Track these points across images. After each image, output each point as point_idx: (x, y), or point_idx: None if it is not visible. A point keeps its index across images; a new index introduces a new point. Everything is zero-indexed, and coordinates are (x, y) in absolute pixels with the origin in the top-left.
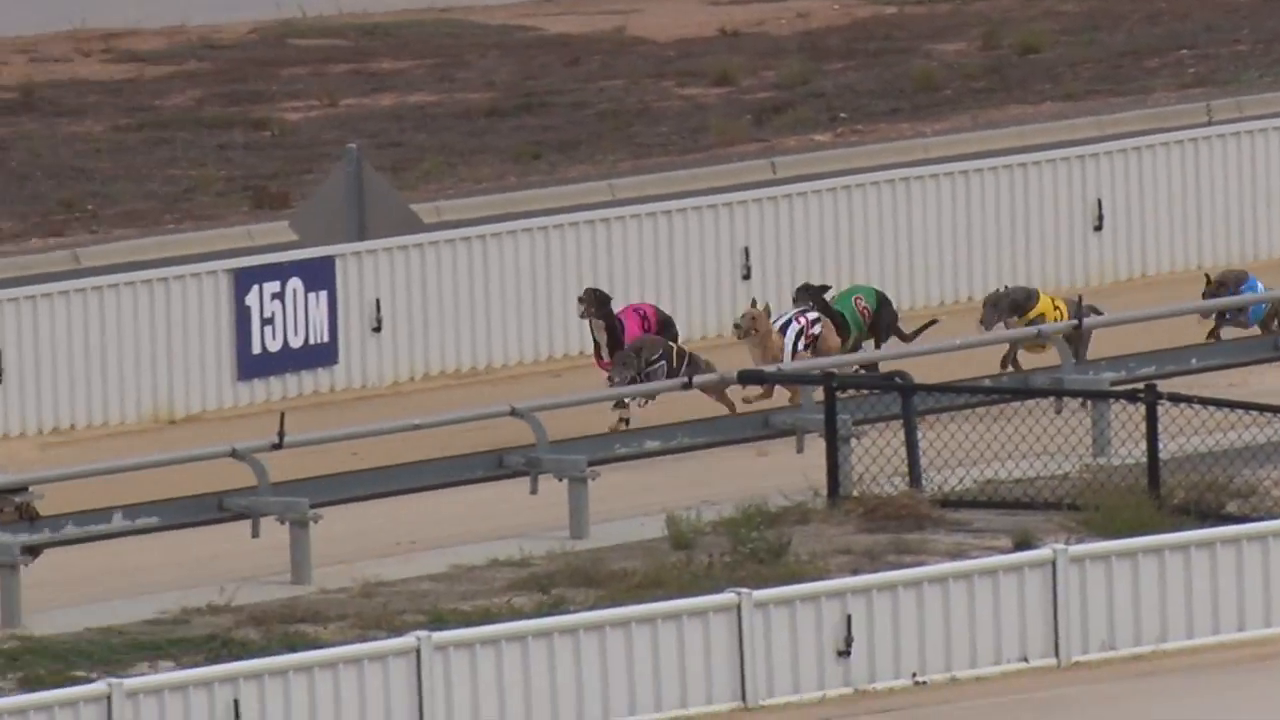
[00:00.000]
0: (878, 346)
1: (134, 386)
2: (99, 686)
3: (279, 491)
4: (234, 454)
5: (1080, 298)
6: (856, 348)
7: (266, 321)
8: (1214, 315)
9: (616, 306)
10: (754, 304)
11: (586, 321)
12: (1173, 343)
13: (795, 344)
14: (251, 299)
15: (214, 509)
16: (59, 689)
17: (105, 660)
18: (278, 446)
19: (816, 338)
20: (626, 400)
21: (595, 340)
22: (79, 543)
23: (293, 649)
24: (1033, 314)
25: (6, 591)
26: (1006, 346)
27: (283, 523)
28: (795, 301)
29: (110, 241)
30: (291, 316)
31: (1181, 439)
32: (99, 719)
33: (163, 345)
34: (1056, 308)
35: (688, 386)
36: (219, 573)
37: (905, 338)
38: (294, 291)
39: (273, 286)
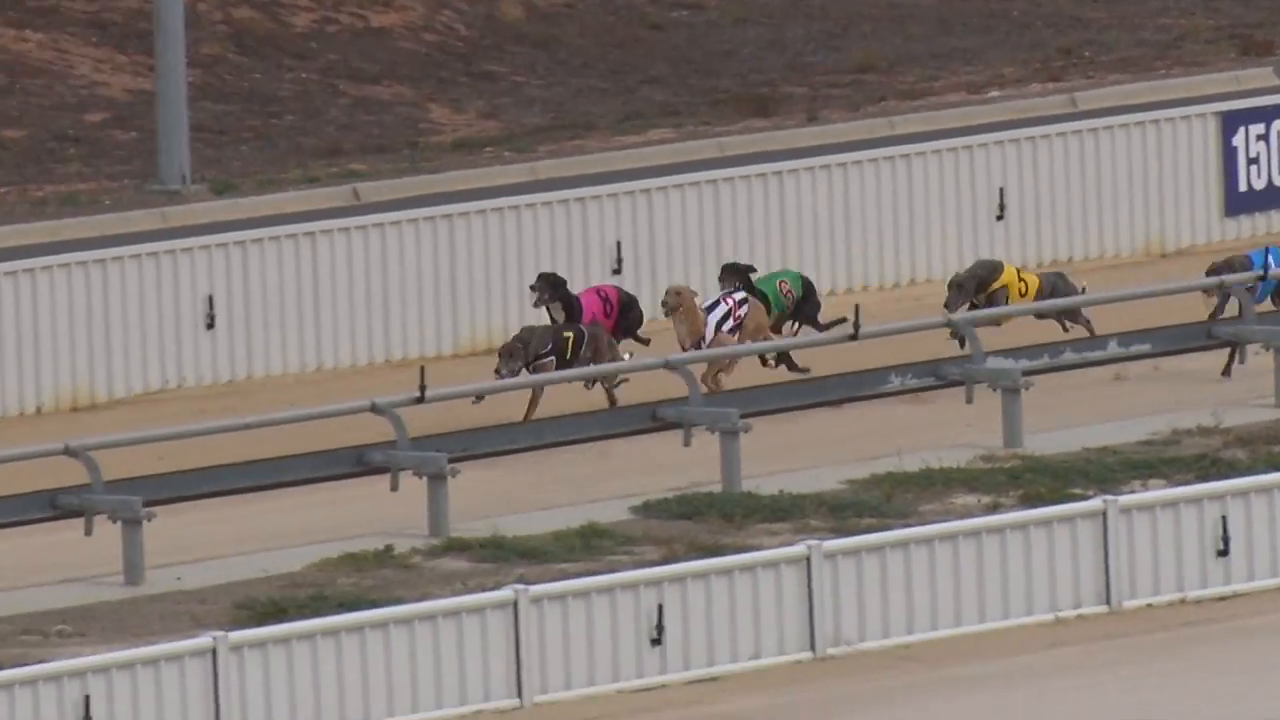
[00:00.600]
0: (795, 334)
1: (1127, 222)
2: (1094, 504)
3: None
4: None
5: (1059, 274)
6: (777, 330)
7: (1252, 161)
8: (1216, 294)
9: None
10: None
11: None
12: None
13: (720, 325)
14: (1238, 140)
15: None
16: (1056, 505)
17: (1100, 478)
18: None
19: (743, 319)
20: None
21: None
22: (1075, 368)
23: (1277, 468)
24: (995, 286)
25: (1009, 415)
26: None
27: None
28: (721, 281)
29: (1104, 86)
30: (1276, 157)
31: None
32: (1096, 531)
33: (1154, 183)
34: (1022, 280)
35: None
36: (1206, 399)
37: (820, 328)
38: (1278, 134)
39: (1258, 129)
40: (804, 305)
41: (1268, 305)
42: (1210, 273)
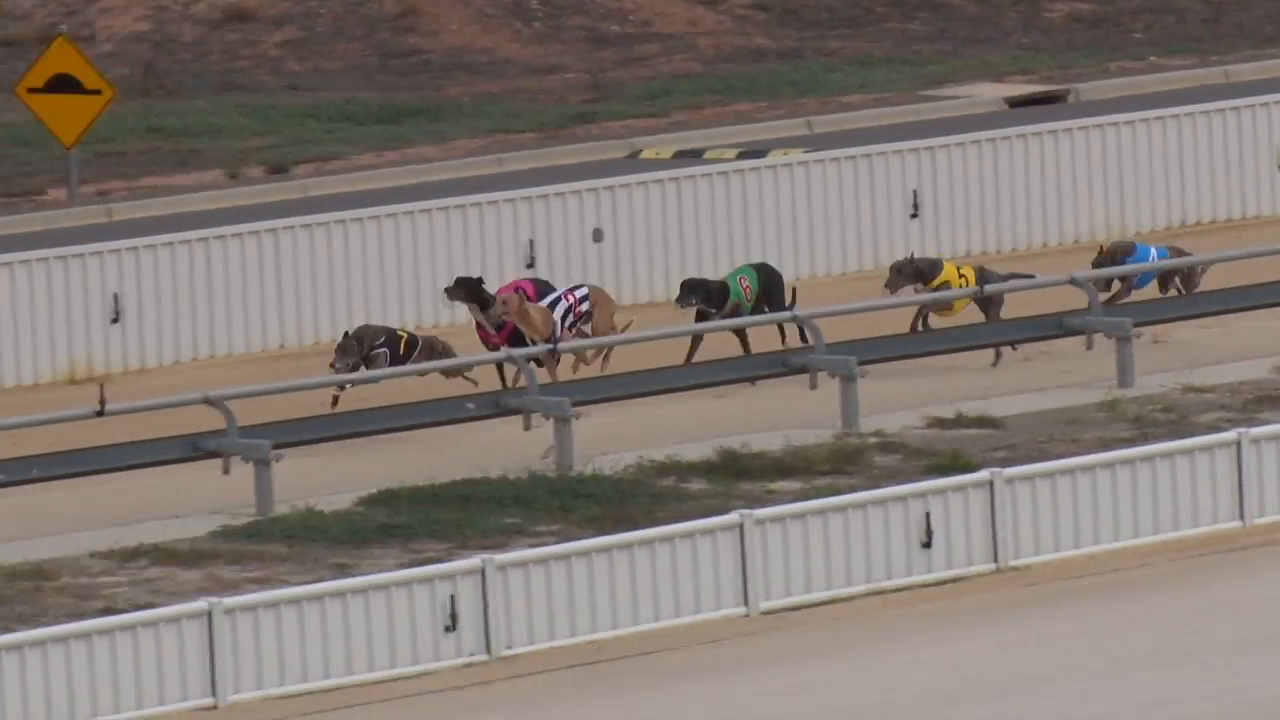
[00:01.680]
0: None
1: None
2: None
3: None
4: None
5: (981, 268)
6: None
7: None
8: (1110, 284)
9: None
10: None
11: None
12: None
13: (564, 321)
14: None
15: None
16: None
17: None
18: None
19: (585, 314)
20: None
21: (478, 322)
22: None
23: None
24: (937, 282)
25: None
26: (914, 311)
27: None
28: (447, 293)
29: None
30: None
31: None
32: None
33: None
34: (961, 275)
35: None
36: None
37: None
38: None
39: None
40: (770, 296)
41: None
42: (1097, 263)
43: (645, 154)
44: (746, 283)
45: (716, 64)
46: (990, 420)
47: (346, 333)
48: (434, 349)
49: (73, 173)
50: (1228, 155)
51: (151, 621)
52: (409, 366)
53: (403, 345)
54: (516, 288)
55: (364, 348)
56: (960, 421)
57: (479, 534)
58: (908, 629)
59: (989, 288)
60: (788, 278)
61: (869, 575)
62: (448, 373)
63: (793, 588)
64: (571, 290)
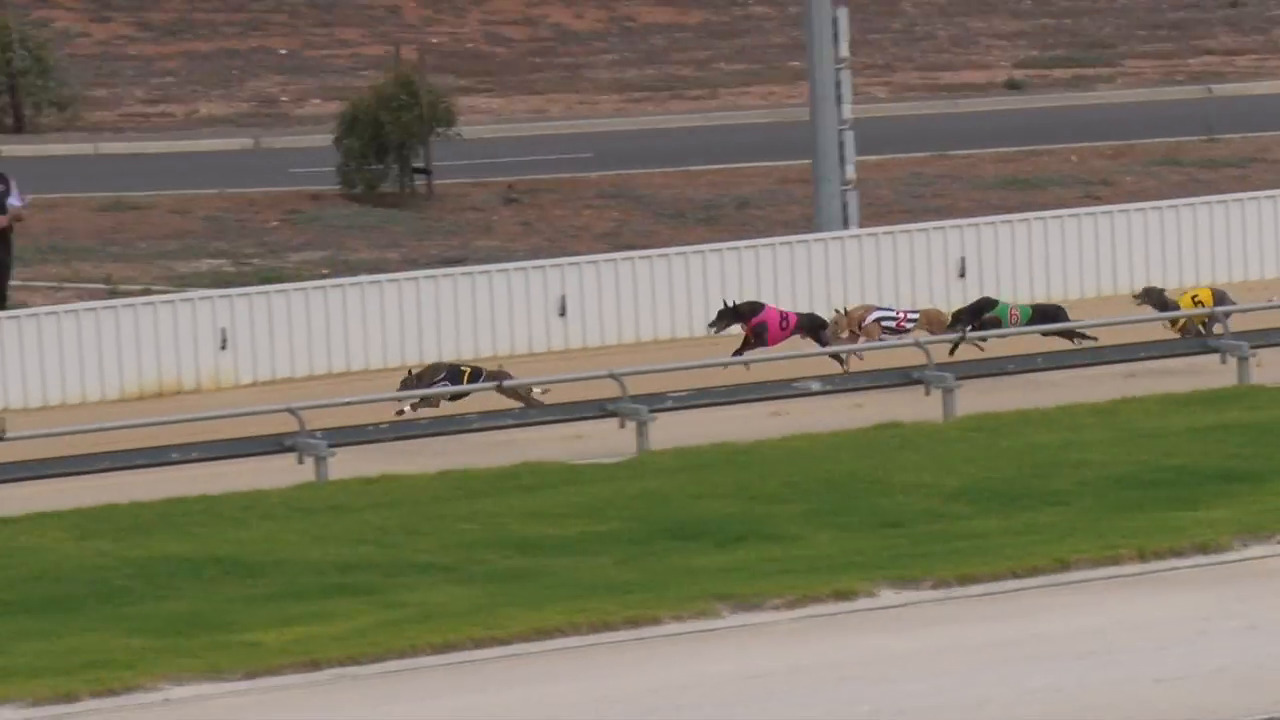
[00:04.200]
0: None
1: None
2: None
3: None
4: None
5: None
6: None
7: None
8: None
9: None
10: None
11: None
12: None
13: (879, 322)
14: None
15: None
16: None
17: None
18: None
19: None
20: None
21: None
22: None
23: None
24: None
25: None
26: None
27: None
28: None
29: None
30: None
31: None
32: None
33: None
34: (1197, 300)
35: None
36: None
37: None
38: None
39: None
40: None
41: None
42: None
43: None
44: (1015, 314)
45: None
46: None
47: (410, 370)
48: (495, 377)
49: None
50: None
51: None
52: (468, 386)
53: (465, 377)
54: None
55: (423, 384)
56: None
57: None
58: None
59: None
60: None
61: None
62: (507, 393)
63: None
64: (903, 310)
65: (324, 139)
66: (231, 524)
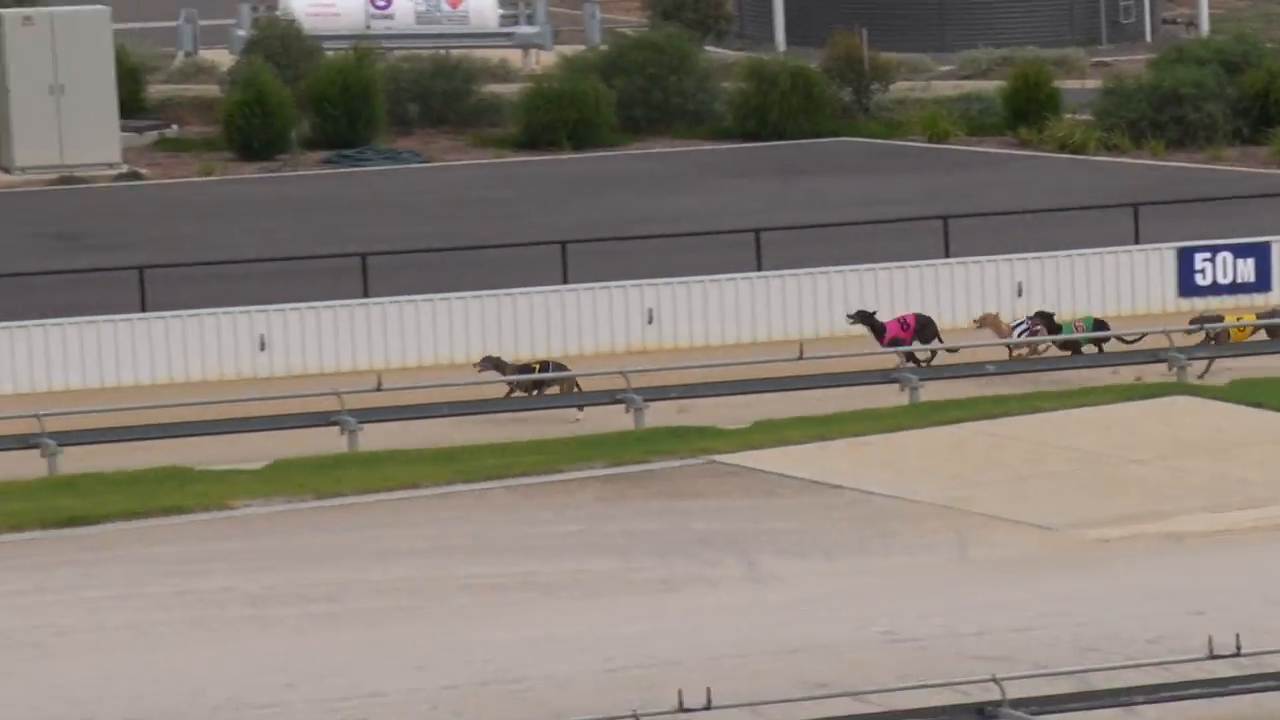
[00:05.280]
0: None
1: None
2: None
3: None
4: None
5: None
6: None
7: None
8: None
9: None
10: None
11: None
12: None
13: (1016, 331)
14: None
15: None
16: None
17: None
18: None
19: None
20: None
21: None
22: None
23: None
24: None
25: None
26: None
27: None
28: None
29: None
30: None
31: None
32: None
33: None
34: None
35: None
36: None
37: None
38: None
39: None
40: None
41: None
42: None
43: None
44: (1080, 325)
45: None
46: None
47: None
48: (560, 368)
49: None
50: None
51: None
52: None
53: (536, 367)
54: (901, 320)
55: (505, 371)
56: None
57: None
58: None
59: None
60: None
61: None
62: (561, 388)
63: None
64: (1031, 319)
65: None
66: None
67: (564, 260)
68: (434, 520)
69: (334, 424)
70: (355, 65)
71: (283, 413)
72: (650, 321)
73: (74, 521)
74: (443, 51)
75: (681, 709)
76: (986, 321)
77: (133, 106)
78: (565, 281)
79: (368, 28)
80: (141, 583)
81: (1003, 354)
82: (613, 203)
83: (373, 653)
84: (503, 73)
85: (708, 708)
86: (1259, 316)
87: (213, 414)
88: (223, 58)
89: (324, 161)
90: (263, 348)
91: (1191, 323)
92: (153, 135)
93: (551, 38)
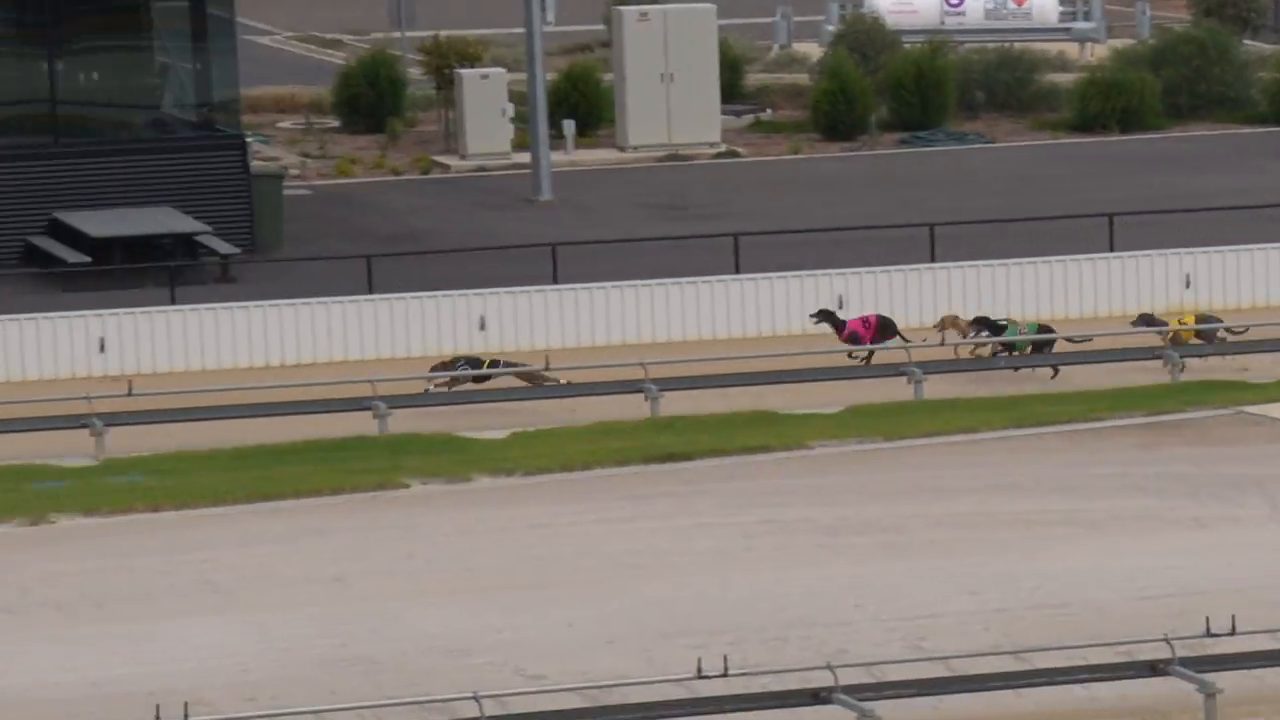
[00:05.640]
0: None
1: None
2: None
3: None
4: None
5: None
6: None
7: None
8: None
9: None
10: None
11: None
12: None
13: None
14: None
15: None
16: None
17: None
18: None
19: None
20: None
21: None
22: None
23: None
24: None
25: None
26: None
27: None
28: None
29: None
30: None
31: None
32: None
33: None
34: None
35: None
36: None
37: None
38: None
39: None
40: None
41: None
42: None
43: None
44: (1022, 328)
45: None
46: None
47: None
48: (512, 364)
49: None
50: None
51: None
52: (507, 369)
53: (485, 364)
54: (864, 320)
55: (455, 367)
56: None
57: None
58: None
59: None
60: None
61: None
62: (527, 379)
63: None
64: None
65: None
66: None
67: (1110, 231)
68: (989, 462)
69: (902, 375)
70: (930, 56)
71: (852, 365)
72: (1187, 286)
73: (670, 458)
74: (1007, 45)
75: (1209, 634)
76: (945, 324)
77: (732, 92)
78: (1110, 249)
79: (942, 24)
80: (729, 513)
81: None
82: (1157, 180)
83: (931, 579)
84: (1060, 64)
85: (1232, 633)
86: (1197, 320)
87: (795, 364)
88: (813, 50)
89: (899, 142)
90: (840, 305)
91: (1133, 324)
92: (749, 118)
93: (1105, 32)
